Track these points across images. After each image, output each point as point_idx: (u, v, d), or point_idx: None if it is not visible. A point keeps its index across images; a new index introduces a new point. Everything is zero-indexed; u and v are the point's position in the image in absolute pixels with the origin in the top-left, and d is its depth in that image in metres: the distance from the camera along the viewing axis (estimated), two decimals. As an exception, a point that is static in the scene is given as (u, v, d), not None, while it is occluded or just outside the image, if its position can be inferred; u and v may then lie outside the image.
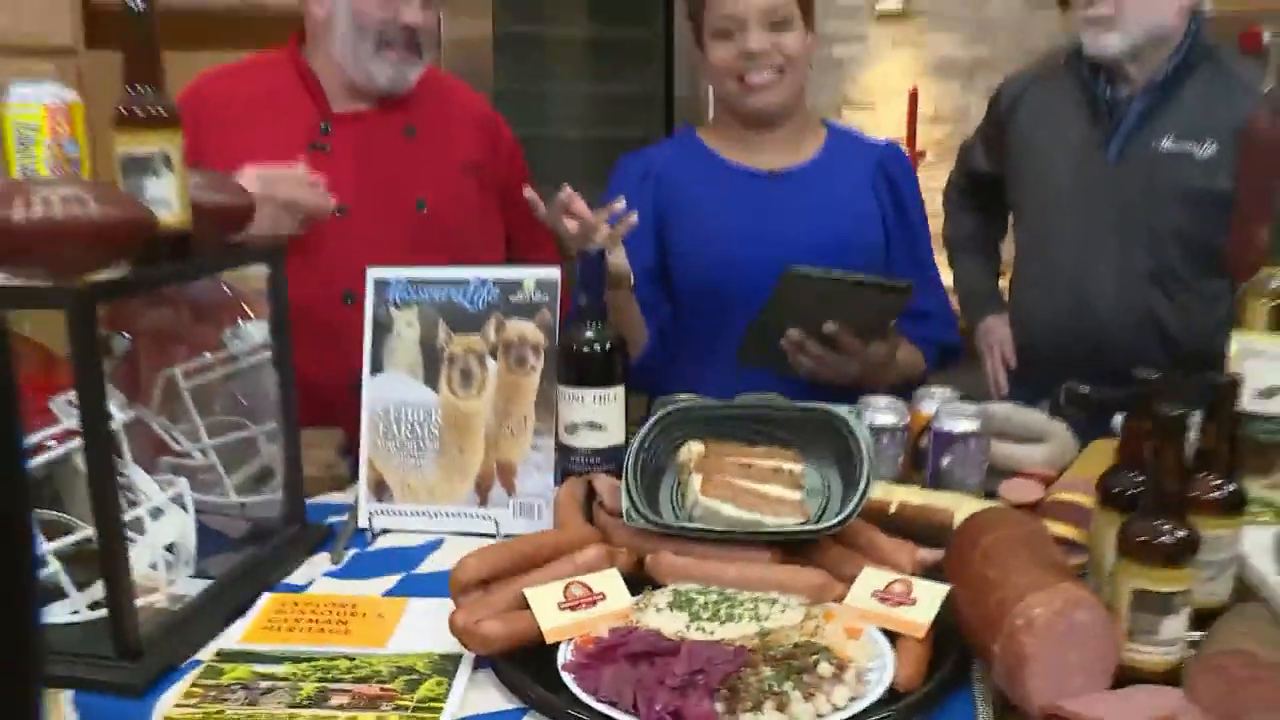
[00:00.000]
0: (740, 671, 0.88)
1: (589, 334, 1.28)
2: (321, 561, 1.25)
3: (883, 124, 3.84)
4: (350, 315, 1.44)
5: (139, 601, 1.03)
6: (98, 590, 1.08)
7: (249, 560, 1.22)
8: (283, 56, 1.66)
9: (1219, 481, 1.00)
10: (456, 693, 0.94)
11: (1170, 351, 1.77)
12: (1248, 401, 1.09)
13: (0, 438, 0.49)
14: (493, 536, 1.27)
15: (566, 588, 1.01)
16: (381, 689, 0.95)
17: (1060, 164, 1.88)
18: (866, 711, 0.88)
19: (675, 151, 1.71)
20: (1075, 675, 0.88)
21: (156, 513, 1.17)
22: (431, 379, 1.32)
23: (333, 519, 1.35)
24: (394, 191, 1.62)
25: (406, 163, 1.64)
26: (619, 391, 1.29)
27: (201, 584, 1.16)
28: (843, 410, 1.18)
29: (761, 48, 1.56)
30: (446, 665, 0.99)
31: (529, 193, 1.49)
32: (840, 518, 1.07)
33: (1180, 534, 0.90)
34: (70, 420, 1.10)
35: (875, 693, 0.90)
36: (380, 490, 1.32)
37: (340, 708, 0.92)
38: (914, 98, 3.58)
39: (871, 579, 1.03)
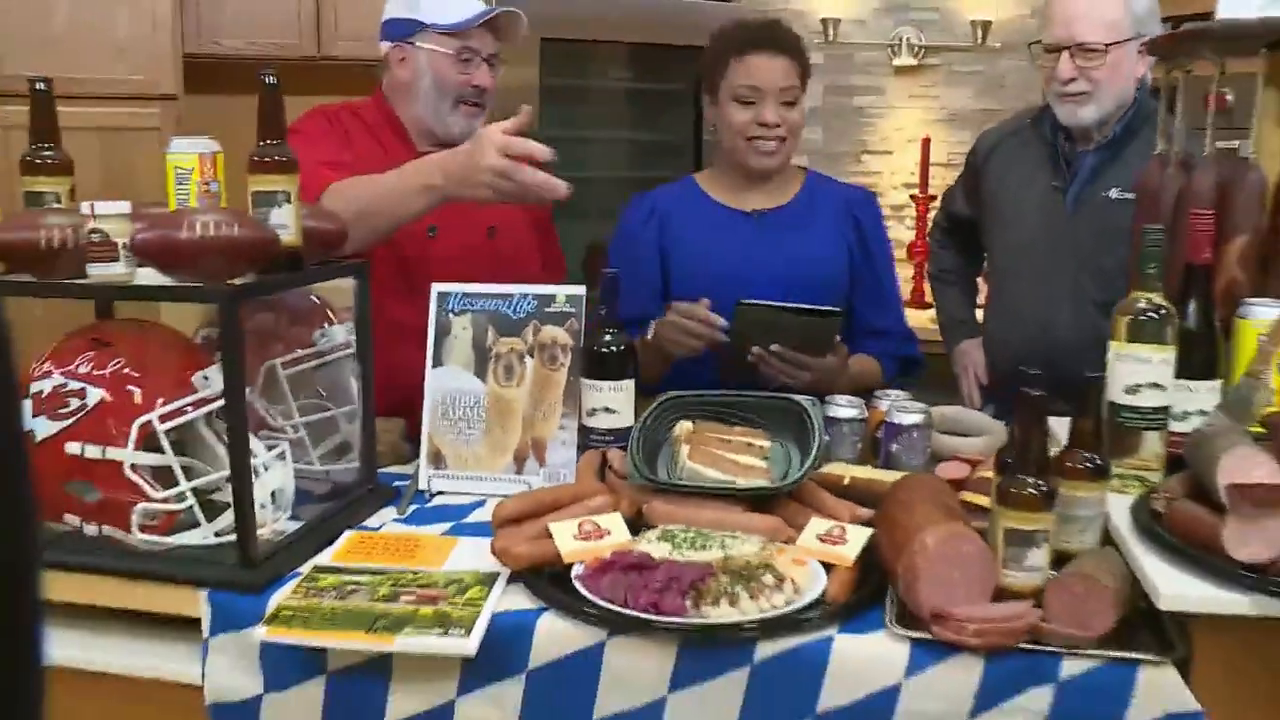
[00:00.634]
0: (705, 580, 1.18)
1: (606, 338, 1.60)
2: (389, 513, 1.57)
3: (898, 169, 4.15)
4: None
5: (253, 530, 1.36)
6: (219, 523, 1.40)
7: (332, 509, 1.54)
8: (371, 104, 2.01)
9: (1089, 455, 1.29)
10: (494, 595, 1.25)
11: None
12: (1116, 396, 1.38)
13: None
14: (526, 498, 1.58)
15: (580, 524, 1.32)
16: (437, 592, 1.26)
17: (1026, 210, 2.17)
18: (799, 611, 1.18)
19: (676, 194, 2.04)
20: (959, 590, 1.17)
21: (262, 468, 1.49)
22: (481, 372, 1.65)
23: (397, 483, 1.67)
24: (470, 220, 1.95)
25: None
26: (629, 384, 1.60)
27: (295, 524, 1.48)
28: (803, 400, 1.49)
29: (775, 120, 1.88)
30: (487, 579, 1.30)
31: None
32: (794, 479, 1.37)
33: (1040, 486, 1.19)
34: (204, 391, 1.43)
35: (807, 599, 1.19)
36: (437, 460, 1.64)
37: (408, 603, 1.24)
38: (926, 146, 3.86)
39: (816, 526, 1.33)
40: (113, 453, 1.35)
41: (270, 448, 1.52)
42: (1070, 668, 1.13)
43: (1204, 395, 1.41)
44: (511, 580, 1.30)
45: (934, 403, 1.72)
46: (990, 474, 1.47)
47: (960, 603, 1.17)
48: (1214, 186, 1.53)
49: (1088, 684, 1.12)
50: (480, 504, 1.59)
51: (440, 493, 1.63)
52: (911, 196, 3.93)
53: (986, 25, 3.89)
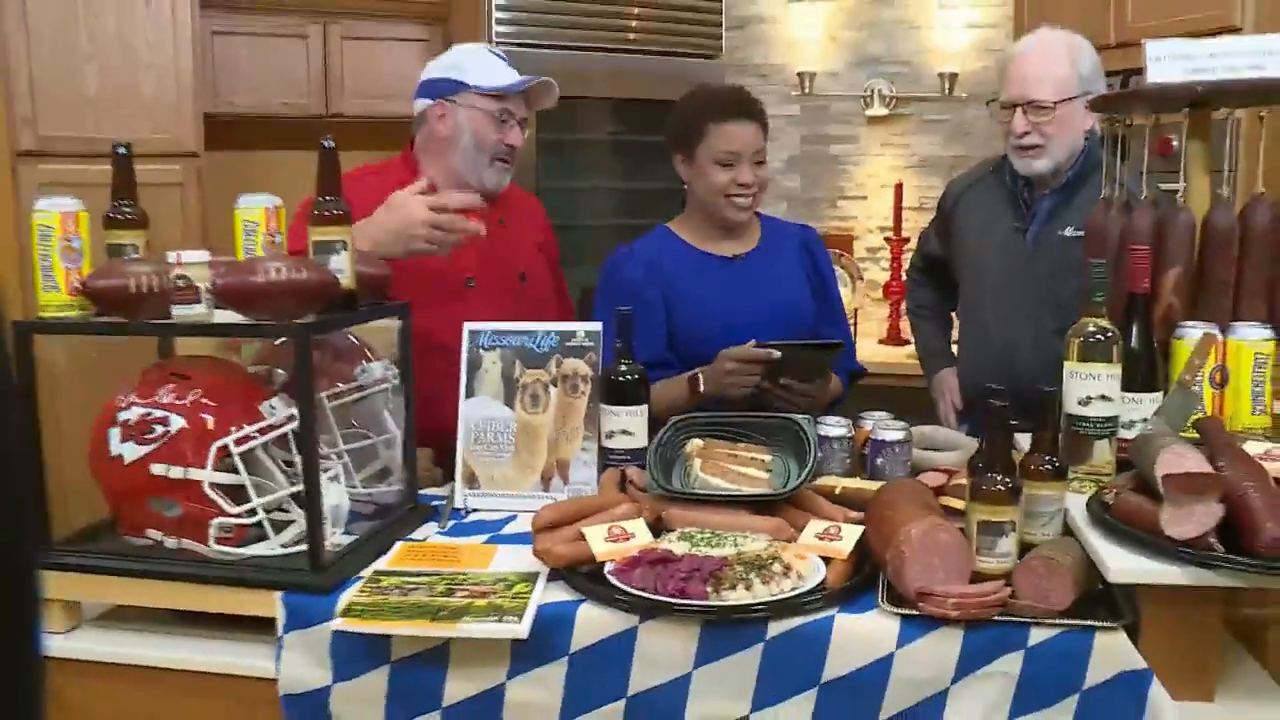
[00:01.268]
0: (723, 569, 1.37)
1: (622, 368, 1.80)
2: (431, 527, 1.75)
3: (873, 213, 4.38)
4: None
5: (319, 539, 1.54)
6: (285, 536, 1.58)
7: (380, 525, 1.72)
8: (399, 163, 2.22)
9: (1048, 458, 1.49)
10: (538, 590, 1.44)
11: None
12: (1071, 408, 1.59)
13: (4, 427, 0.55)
14: (552, 512, 1.77)
15: (609, 528, 1.50)
16: (487, 589, 1.45)
17: (990, 249, 2.40)
18: (804, 595, 1.37)
19: (659, 244, 2.24)
20: (939, 574, 1.37)
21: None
22: (509, 401, 1.84)
23: (435, 503, 1.85)
24: (503, 267, 2.16)
25: (506, 245, 2.19)
26: (644, 409, 1.79)
27: (349, 539, 1.66)
28: (800, 419, 1.69)
29: (750, 180, 2.12)
30: (529, 577, 1.48)
31: None
32: (792, 486, 1.57)
33: (1006, 483, 1.39)
34: (271, 418, 1.62)
35: (810, 585, 1.38)
36: (471, 480, 1.83)
37: (463, 597, 1.42)
38: (899, 190, 4.10)
39: (815, 527, 1.52)
40: (194, 473, 1.53)
41: (323, 471, 1.70)
42: (1037, 636, 1.32)
43: (1147, 406, 1.62)
44: (551, 578, 1.48)
45: (914, 424, 1.93)
46: (964, 481, 1.68)
47: (941, 584, 1.36)
48: (1151, 226, 1.75)
49: (1052, 649, 1.32)
50: (512, 518, 1.77)
51: (475, 510, 1.81)
52: (886, 239, 4.17)
53: (953, 77, 4.14)
